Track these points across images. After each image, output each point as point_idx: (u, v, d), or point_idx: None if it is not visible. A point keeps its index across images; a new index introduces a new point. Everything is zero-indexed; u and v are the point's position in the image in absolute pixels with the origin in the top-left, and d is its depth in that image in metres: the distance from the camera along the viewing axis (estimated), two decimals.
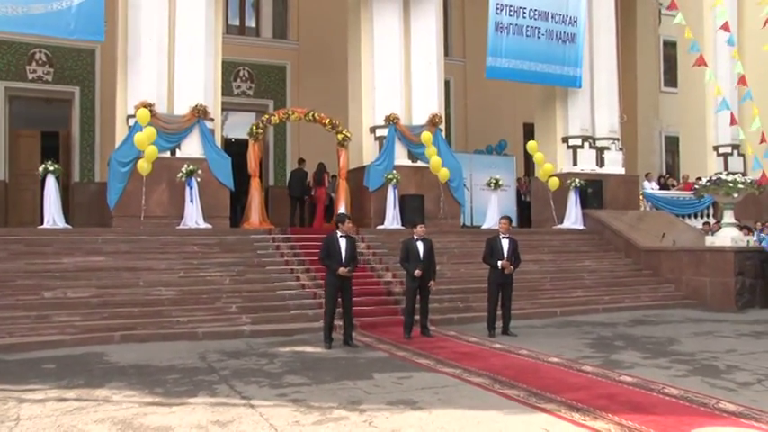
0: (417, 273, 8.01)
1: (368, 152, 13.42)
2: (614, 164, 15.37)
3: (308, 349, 7.48)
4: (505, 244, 8.47)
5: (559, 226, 14.30)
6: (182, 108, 11.61)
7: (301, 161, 14.86)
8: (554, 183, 14.19)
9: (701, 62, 13.91)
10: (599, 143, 15.34)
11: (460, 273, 11.23)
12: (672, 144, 20.13)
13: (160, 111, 11.45)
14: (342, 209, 12.77)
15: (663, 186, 17.22)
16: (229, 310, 8.96)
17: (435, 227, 12.68)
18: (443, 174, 13.10)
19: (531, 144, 14.35)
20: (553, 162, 14.62)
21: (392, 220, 12.77)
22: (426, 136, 12.94)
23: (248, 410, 4.86)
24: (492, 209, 13.90)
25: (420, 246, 8.20)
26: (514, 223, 15.72)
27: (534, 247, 12.63)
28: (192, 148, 11.65)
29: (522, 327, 8.94)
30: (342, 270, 7.53)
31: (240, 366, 6.49)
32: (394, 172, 12.94)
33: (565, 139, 15.24)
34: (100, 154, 14.89)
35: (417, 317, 8.40)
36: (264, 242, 11.05)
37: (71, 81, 15.04)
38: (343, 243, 7.64)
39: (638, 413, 4.71)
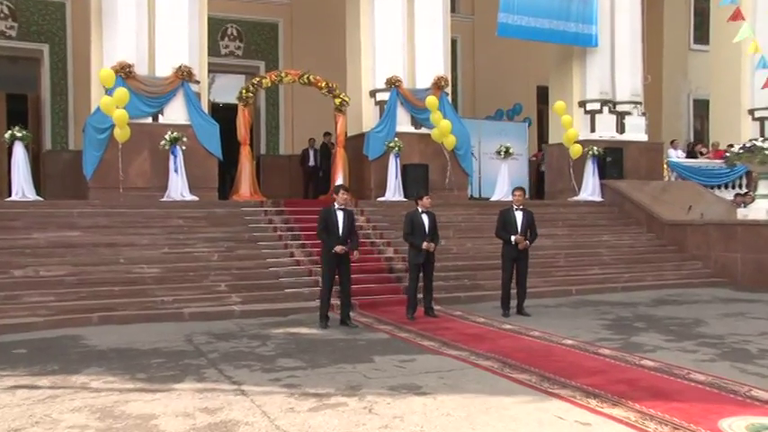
0: (426, 245, 7.99)
1: (367, 118, 13.30)
2: (636, 130, 15.20)
3: (304, 330, 7.50)
4: (519, 216, 8.46)
5: (575, 198, 14.22)
6: (164, 69, 11.43)
7: (327, 134, 14.99)
8: (577, 150, 14.03)
9: (737, 16, 13.31)
10: (620, 107, 15.15)
11: (467, 248, 11.22)
12: (701, 107, 19.82)
13: (140, 72, 11.27)
14: (339, 180, 12.69)
15: (690, 154, 16.97)
16: (218, 288, 8.94)
17: (441, 198, 12.62)
18: (450, 141, 12.99)
19: (559, 105, 14.09)
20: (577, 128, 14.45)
21: (394, 192, 12.71)
22: (431, 100, 12.79)
23: (239, 397, 4.85)
24: (502, 179, 13.81)
25: (425, 219, 8.17)
26: (528, 195, 15.66)
27: (548, 221, 12.57)
28: (175, 113, 11.51)
29: (534, 306, 8.93)
30: (339, 248, 7.54)
31: (230, 349, 6.48)
32: (396, 139, 12.84)
33: (582, 104, 15.05)
34: (74, 119, 14.69)
35: (421, 295, 8.43)
36: (256, 215, 11.01)
37: (39, 38, 14.76)
38: (340, 216, 7.66)
39: (661, 400, 4.67)
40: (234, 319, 8.19)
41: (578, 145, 14.05)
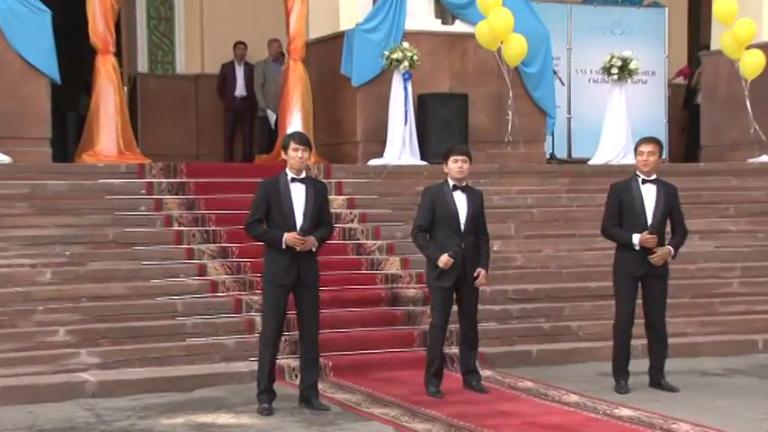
0: (443, 262, 8.00)
1: (349, 4, 13.33)
2: None
3: (226, 419, 7.55)
4: (650, 196, 8.51)
5: (762, 158, 14.14)
6: None
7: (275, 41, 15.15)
8: (755, 63, 13.85)
9: None
10: None
11: (544, 257, 11.31)
12: None
13: None
14: (296, 122, 12.66)
15: None
16: (51, 339, 8.97)
17: (492, 161, 12.61)
18: (516, 49, 12.93)
19: None
20: (756, 19, 14.14)
21: (401, 148, 12.70)
22: None
23: None
24: (614, 123, 13.76)
25: (460, 200, 8.24)
26: (666, 153, 15.55)
27: (707, 205, 12.58)
28: None
29: (679, 374, 8.96)
30: (291, 237, 7.60)
31: None
32: (405, 45, 12.79)
33: None
34: None
35: (454, 350, 8.54)
36: (130, 193, 11.05)
37: None
38: (298, 193, 7.84)
39: None
40: (84, 399, 8.22)
41: (759, 53, 13.91)
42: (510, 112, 13.16)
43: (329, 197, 11.21)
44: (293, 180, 7.80)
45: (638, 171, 8.62)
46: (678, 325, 9.97)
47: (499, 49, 12.93)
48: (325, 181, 10.01)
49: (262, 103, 15.31)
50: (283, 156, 8.01)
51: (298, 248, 7.63)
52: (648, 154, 8.54)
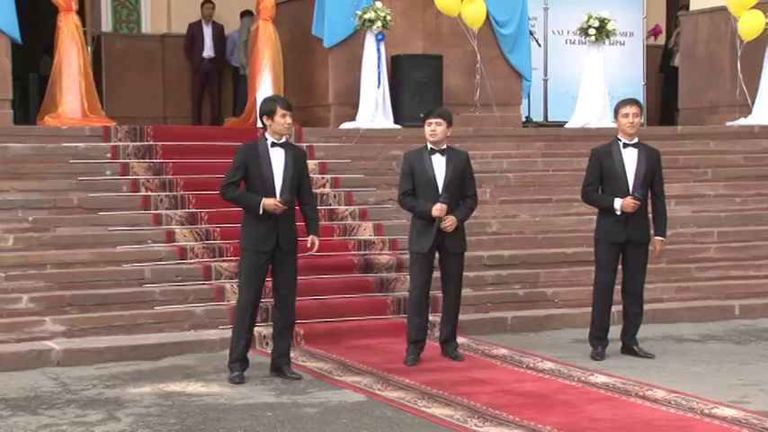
0: (438, 209, 8.03)
1: None
2: None
3: (195, 388, 7.57)
4: (631, 160, 8.52)
5: (742, 122, 14.16)
6: None
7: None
8: (755, 24, 13.51)
9: None
10: None
11: (520, 223, 11.38)
12: None
13: None
14: (266, 84, 12.63)
15: None
16: (15, 306, 8.96)
17: (468, 124, 12.60)
18: (476, 12, 12.88)
19: None
20: None
21: (374, 111, 12.63)
22: None
23: None
24: (591, 85, 13.71)
25: (438, 164, 8.26)
26: (643, 117, 15.58)
27: (684, 169, 12.64)
28: None
29: (655, 340, 9.04)
30: (272, 202, 7.63)
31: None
32: (377, 5, 12.73)
33: None
34: None
35: (436, 316, 8.52)
36: (95, 157, 10.99)
37: None
38: (278, 158, 7.86)
39: None
40: (50, 368, 8.23)
41: (759, 14, 13.68)
42: (478, 76, 13.15)
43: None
44: (273, 145, 7.80)
45: (619, 135, 8.60)
46: (654, 291, 10.10)
47: (460, 16, 12.87)
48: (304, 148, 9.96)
49: (243, 59, 15.01)
50: (265, 121, 7.90)
51: (278, 212, 7.63)
52: (633, 116, 8.51)
